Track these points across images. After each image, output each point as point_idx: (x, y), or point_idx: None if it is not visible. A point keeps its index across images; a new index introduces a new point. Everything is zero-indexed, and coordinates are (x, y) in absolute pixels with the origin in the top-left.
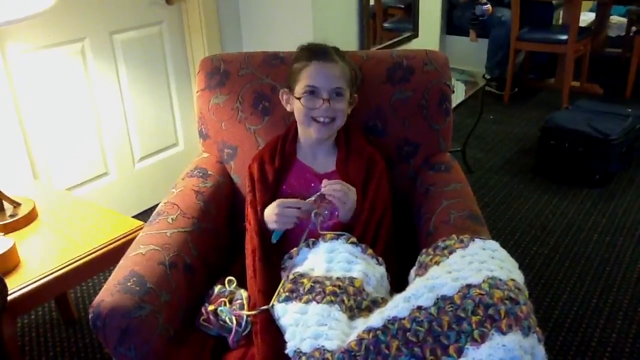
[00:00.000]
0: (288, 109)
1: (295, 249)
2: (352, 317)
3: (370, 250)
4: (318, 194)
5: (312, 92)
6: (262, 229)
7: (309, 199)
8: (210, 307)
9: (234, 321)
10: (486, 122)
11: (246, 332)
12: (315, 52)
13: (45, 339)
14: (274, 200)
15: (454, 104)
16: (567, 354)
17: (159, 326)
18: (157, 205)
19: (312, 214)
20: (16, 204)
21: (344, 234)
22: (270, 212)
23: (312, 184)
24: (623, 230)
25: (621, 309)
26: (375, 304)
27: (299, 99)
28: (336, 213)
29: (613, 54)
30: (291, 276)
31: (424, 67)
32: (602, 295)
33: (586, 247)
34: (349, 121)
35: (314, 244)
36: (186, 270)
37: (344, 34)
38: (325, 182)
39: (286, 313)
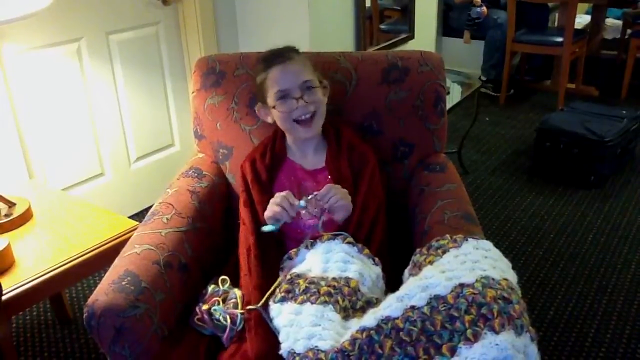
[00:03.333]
0: (269, 120)
1: (294, 249)
2: (346, 318)
3: (366, 250)
4: (311, 197)
5: (283, 96)
6: (258, 228)
7: (304, 199)
8: (204, 307)
9: (228, 319)
10: (482, 124)
11: (239, 328)
12: (270, 58)
13: (40, 339)
14: (271, 199)
15: (449, 106)
16: (562, 354)
17: (153, 325)
18: (152, 205)
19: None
20: (11, 204)
21: (341, 234)
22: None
23: (302, 181)
24: (618, 232)
25: (615, 309)
26: (370, 304)
27: (273, 107)
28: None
29: (608, 56)
30: (288, 276)
31: (419, 68)
32: (596, 295)
33: (581, 248)
34: (339, 119)
35: (312, 244)
36: (181, 269)
37: (341, 36)
38: (321, 192)
39: (281, 314)
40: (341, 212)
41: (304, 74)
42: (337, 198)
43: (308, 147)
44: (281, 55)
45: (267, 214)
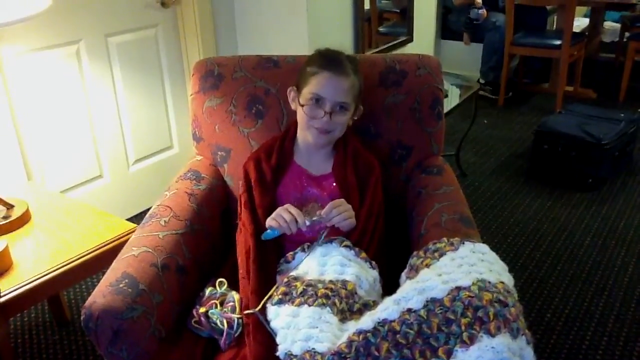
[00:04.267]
0: (292, 107)
1: (291, 253)
2: (343, 320)
3: (363, 254)
4: (316, 218)
5: (317, 100)
6: (258, 231)
7: (307, 220)
8: (202, 309)
9: (225, 324)
10: (480, 126)
11: (237, 334)
12: (329, 61)
13: (38, 341)
14: (274, 202)
15: (448, 108)
16: (559, 357)
17: (150, 327)
18: (151, 208)
19: (319, 239)
20: (10, 206)
21: (337, 238)
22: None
23: (307, 187)
24: (615, 234)
25: (612, 312)
26: (367, 307)
27: (302, 106)
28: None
29: (606, 59)
30: (285, 279)
31: (417, 71)
32: (593, 298)
33: (578, 250)
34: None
35: (309, 247)
36: (179, 272)
37: (339, 38)
38: (324, 212)
39: (278, 316)
40: (345, 227)
41: (346, 95)
42: (340, 218)
43: (316, 153)
44: (340, 66)
45: (271, 223)
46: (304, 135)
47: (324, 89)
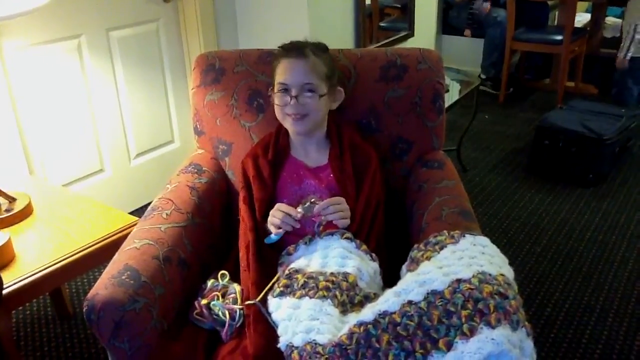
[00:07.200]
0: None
1: (292, 245)
2: (344, 312)
3: (364, 246)
4: (308, 204)
5: (284, 89)
6: (257, 226)
7: (299, 208)
8: (204, 301)
9: (227, 315)
10: (481, 122)
11: (239, 324)
12: (287, 49)
13: (40, 334)
14: (273, 196)
15: (449, 103)
16: (559, 351)
17: (152, 319)
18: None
19: (315, 226)
20: (12, 199)
21: (338, 230)
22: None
23: (305, 179)
24: (615, 229)
25: (612, 306)
26: (368, 299)
27: (269, 96)
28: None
29: (608, 54)
30: (287, 272)
31: (418, 66)
32: (593, 292)
33: (579, 245)
34: (339, 117)
35: (311, 241)
36: (180, 264)
37: (340, 33)
38: (318, 207)
39: (279, 308)
40: (339, 225)
41: (310, 76)
42: (336, 216)
43: (311, 144)
44: (297, 50)
45: (270, 229)
46: (287, 127)
47: (286, 75)
